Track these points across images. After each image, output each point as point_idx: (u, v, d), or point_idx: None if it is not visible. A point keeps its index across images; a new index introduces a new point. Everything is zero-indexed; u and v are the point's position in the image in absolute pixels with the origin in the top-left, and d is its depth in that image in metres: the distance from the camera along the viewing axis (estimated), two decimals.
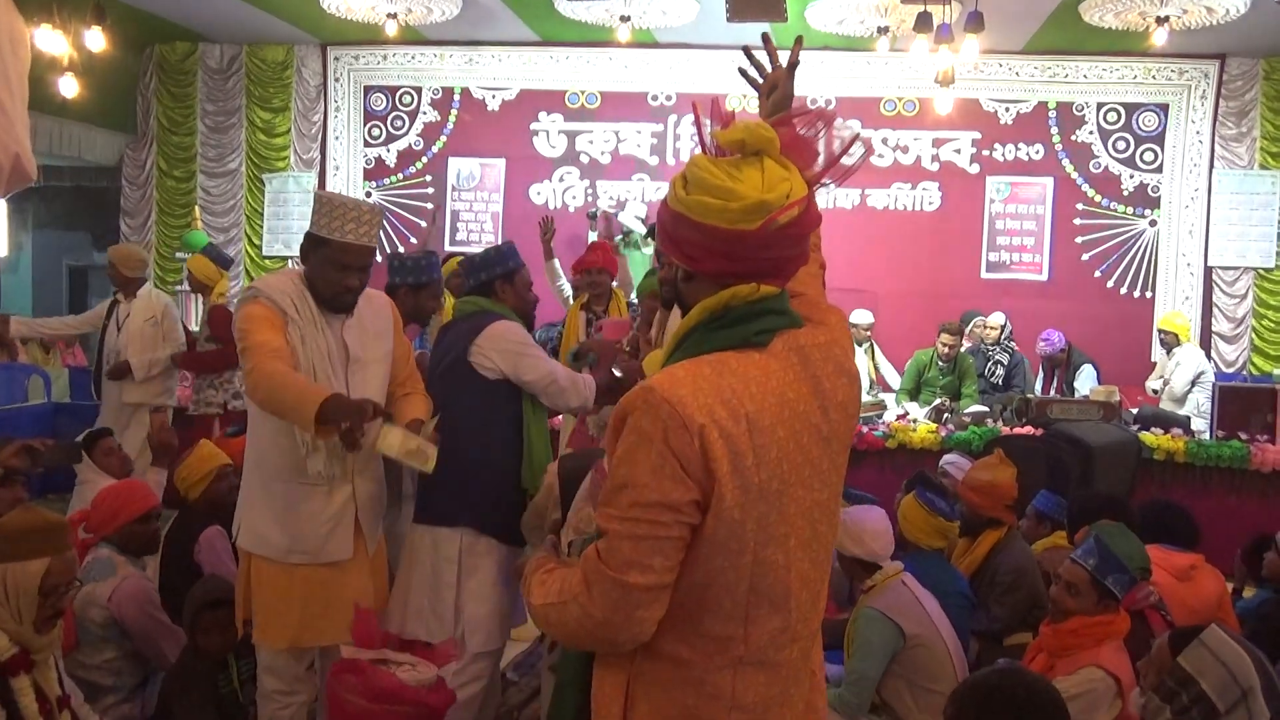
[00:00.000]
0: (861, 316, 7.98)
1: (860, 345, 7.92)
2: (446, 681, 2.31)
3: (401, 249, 9.42)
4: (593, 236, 8.72)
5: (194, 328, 6.49)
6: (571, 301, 6.23)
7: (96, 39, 6.61)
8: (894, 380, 7.90)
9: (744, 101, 9.03)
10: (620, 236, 8.42)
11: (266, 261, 9.66)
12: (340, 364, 2.99)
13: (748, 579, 1.60)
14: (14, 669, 2.51)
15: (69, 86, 6.95)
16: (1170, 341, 7.63)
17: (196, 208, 9.17)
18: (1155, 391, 7.63)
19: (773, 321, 1.65)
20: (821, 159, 1.71)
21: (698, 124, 1.71)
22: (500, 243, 3.58)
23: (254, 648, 3.11)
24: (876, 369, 8.04)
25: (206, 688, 3.23)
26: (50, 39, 6.50)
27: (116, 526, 3.46)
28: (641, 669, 1.66)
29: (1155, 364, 8.15)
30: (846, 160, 1.70)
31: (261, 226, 9.67)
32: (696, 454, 1.54)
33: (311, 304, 2.96)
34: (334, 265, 2.92)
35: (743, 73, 2.16)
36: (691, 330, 1.67)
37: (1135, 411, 6.89)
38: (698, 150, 1.71)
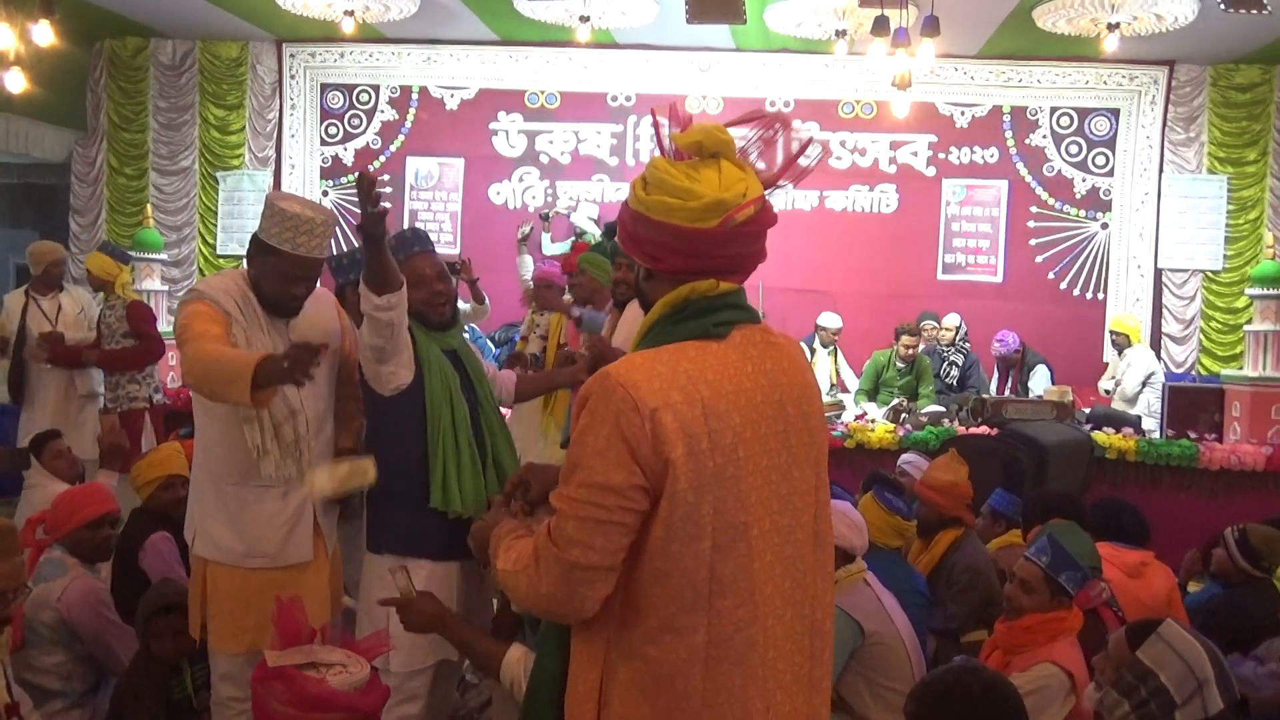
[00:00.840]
0: (830, 320, 8.00)
1: (825, 348, 7.96)
2: (381, 677, 2.27)
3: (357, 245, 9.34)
4: (546, 238, 8.69)
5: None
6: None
7: (45, 33, 6.45)
8: (852, 383, 7.95)
9: (704, 103, 9.06)
10: (573, 238, 8.41)
11: (220, 260, 9.52)
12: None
13: (707, 566, 1.62)
14: None
15: (15, 81, 6.79)
16: (1121, 343, 7.75)
17: (149, 206, 9.00)
18: (1108, 392, 7.75)
19: (731, 315, 1.72)
20: (780, 160, 1.78)
21: (656, 128, 1.77)
22: (392, 236, 3.03)
23: (207, 653, 3.07)
24: (837, 372, 8.09)
25: (159, 693, 3.18)
26: None
27: (69, 529, 3.39)
28: (615, 669, 1.67)
29: (1107, 365, 8.27)
30: (803, 162, 1.78)
31: (215, 225, 9.53)
32: (647, 437, 1.57)
33: (256, 305, 2.90)
34: (281, 275, 2.85)
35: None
36: (653, 325, 1.72)
37: (1088, 411, 7.00)
38: (657, 153, 1.76)
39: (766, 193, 1.75)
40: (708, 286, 1.69)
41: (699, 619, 1.63)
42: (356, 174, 2.48)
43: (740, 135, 1.80)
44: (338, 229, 9.41)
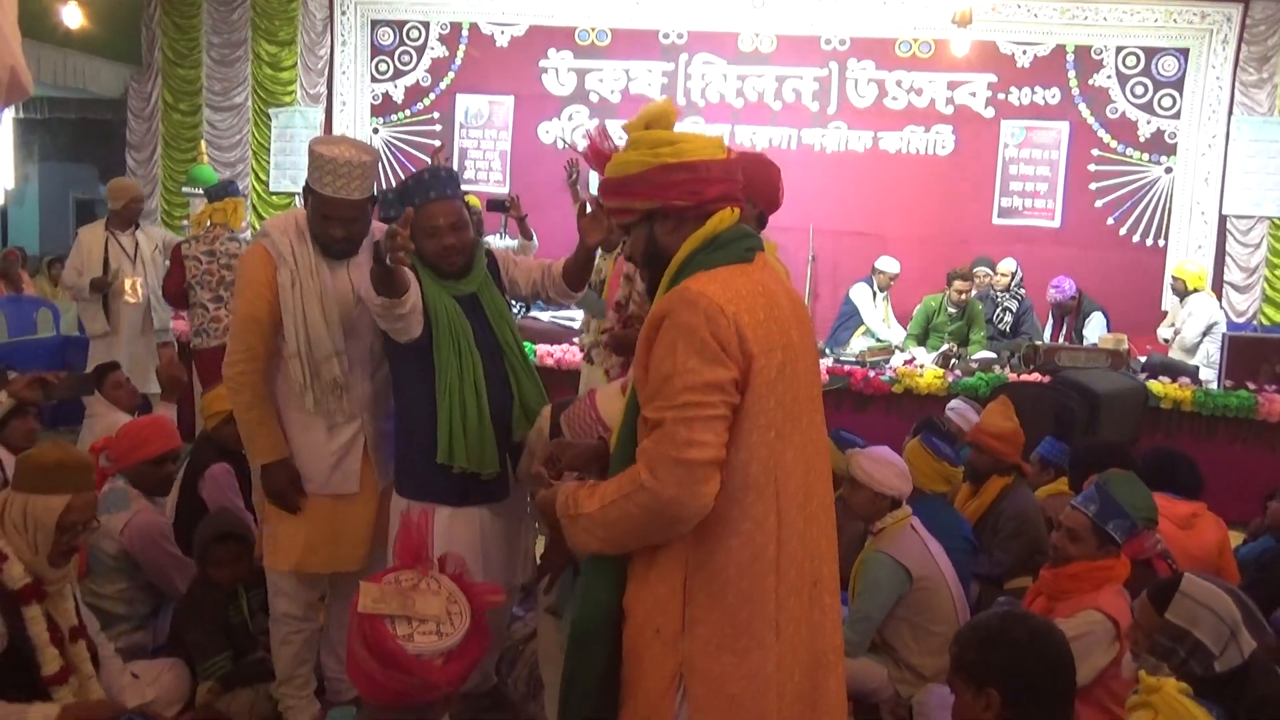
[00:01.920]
0: (888, 264, 7.81)
1: (882, 291, 7.85)
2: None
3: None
4: (595, 176, 8.63)
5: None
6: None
7: None
8: (898, 330, 7.85)
9: (756, 40, 8.91)
10: None
11: (273, 197, 9.62)
12: (345, 304, 2.97)
13: (775, 454, 1.83)
14: (26, 598, 2.52)
15: (72, 16, 6.87)
16: (1180, 289, 7.56)
17: (203, 142, 9.10)
18: (1166, 340, 7.59)
19: (753, 241, 1.94)
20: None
21: (592, 143, 2.07)
22: (409, 178, 3.07)
23: (264, 578, 3.17)
24: (888, 316, 7.99)
25: (217, 617, 3.29)
26: None
27: (133, 462, 3.48)
28: (699, 566, 1.82)
29: (1167, 313, 8.11)
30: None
31: (268, 162, 9.62)
32: (734, 336, 1.77)
33: (310, 247, 2.95)
34: (319, 215, 2.90)
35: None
36: (688, 259, 1.90)
37: (1144, 360, 6.87)
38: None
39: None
40: (730, 216, 1.91)
41: (770, 504, 1.83)
42: (390, 230, 2.36)
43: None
44: (388, 168, 9.46)
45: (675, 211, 1.91)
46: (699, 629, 1.82)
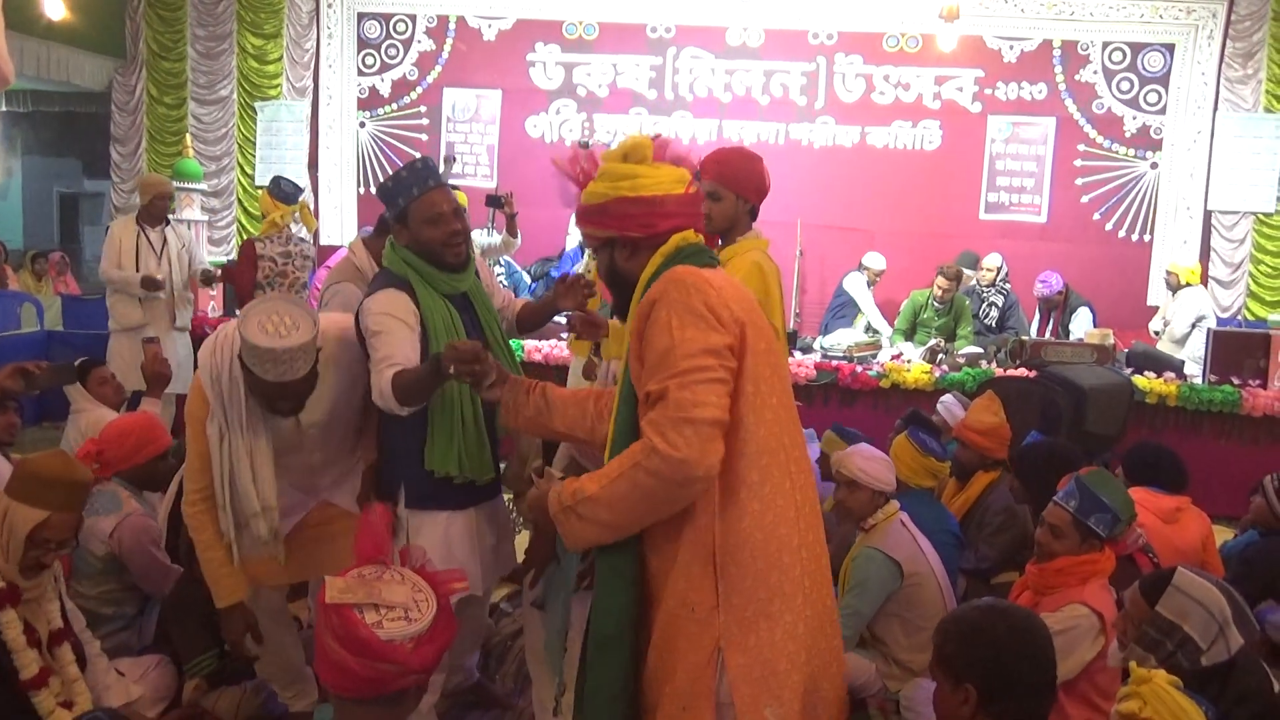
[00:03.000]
0: (874, 260, 7.93)
1: (869, 286, 7.90)
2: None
3: None
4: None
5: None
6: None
7: None
8: (881, 325, 7.88)
9: (744, 35, 8.89)
10: None
11: (259, 191, 9.55)
12: (286, 442, 2.82)
13: (778, 417, 1.95)
14: (0, 603, 2.52)
15: (55, 8, 6.82)
16: (1174, 284, 7.62)
17: (188, 136, 9.05)
18: (1157, 333, 7.64)
19: (711, 258, 2.08)
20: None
21: (572, 165, 2.18)
22: (403, 169, 2.89)
23: None
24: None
25: (202, 616, 3.27)
26: None
27: (135, 464, 3.45)
28: (725, 538, 1.89)
29: (1157, 308, 8.15)
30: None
31: (254, 155, 9.56)
32: (725, 303, 1.88)
33: (242, 402, 2.71)
34: (264, 395, 2.66)
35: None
36: (655, 272, 2.01)
37: (1127, 351, 6.90)
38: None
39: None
40: (691, 235, 2.05)
41: (783, 466, 1.93)
42: (465, 354, 2.26)
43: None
44: (374, 163, 9.43)
45: (630, 241, 2.06)
46: (734, 599, 1.89)
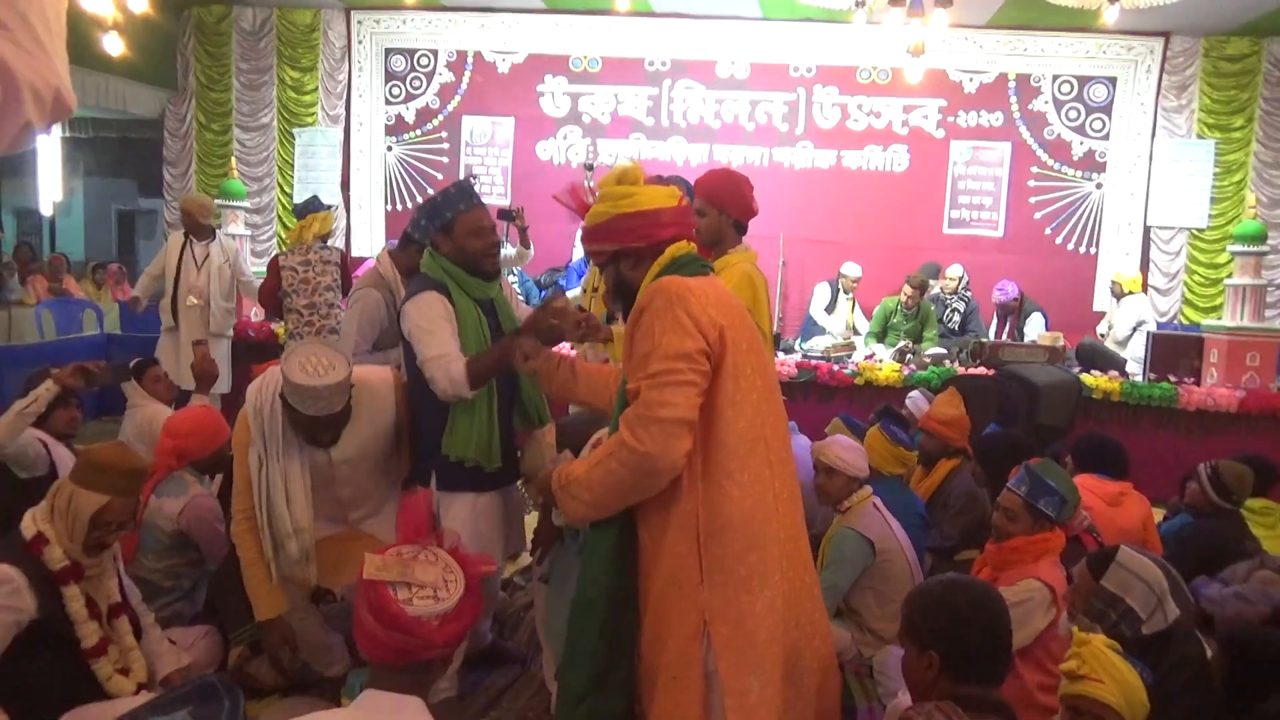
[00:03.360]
0: (851, 269, 7.94)
1: (846, 294, 7.90)
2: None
3: (420, 200, 9.34)
4: (589, 186, 8.63)
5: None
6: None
7: (138, 0, 6.43)
8: (863, 327, 7.89)
9: (732, 68, 8.88)
10: None
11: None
12: (321, 475, 2.82)
13: (760, 412, 1.96)
14: (64, 579, 2.50)
15: (113, 44, 6.79)
16: (1117, 292, 7.64)
17: (233, 159, 9.03)
18: (1102, 336, 7.65)
19: (705, 266, 2.08)
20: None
21: (573, 196, 2.20)
22: (450, 186, 2.96)
23: None
24: (853, 318, 8.04)
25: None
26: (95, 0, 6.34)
27: (212, 453, 3.46)
28: (708, 521, 1.90)
29: (1104, 314, 8.16)
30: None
31: (292, 177, 9.54)
32: (706, 311, 1.88)
33: (280, 429, 2.73)
34: (303, 428, 2.71)
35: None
36: (654, 280, 2.01)
37: (1076, 347, 6.91)
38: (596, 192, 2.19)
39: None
40: (685, 246, 2.06)
41: (762, 455, 1.94)
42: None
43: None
44: (400, 183, 9.43)
45: (634, 251, 2.07)
46: (716, 576, 1.89)
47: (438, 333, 2.74)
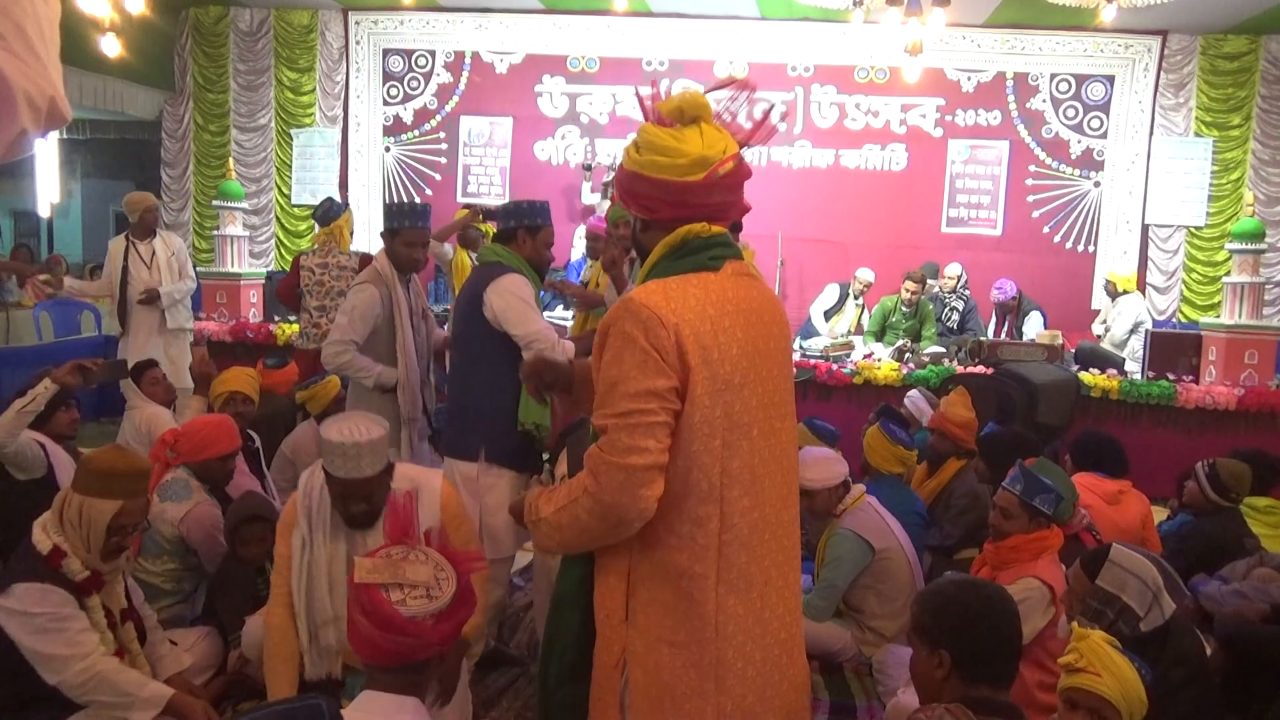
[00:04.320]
0: (865, 274, 7.89)
1: (856, 299, 7.89)
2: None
3: (417, 199, 9.34)
4: (585, 187, 8.64)
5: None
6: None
7: (136, 2, 6.43)
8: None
9: (730, 68, 8.90)
10: (604, 188, 8.31)
11: (295, 209, 9.55)
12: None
13: (719, 462, 1.69)
14: (87, 590, 2.51)
15: (111, 46, 6.78)
16: (1112, 291, 7.63)
17: (230, 160, 9.02)
18: (1099, 336, 7.65)
19: (722, 251, 1.78)
20: (747, 124, 1.83)
21: (640, 101, 1.81)
22: (537, 200, 3.48)
23: None
24: (860, 320, 8.03)
25: (246, 591, 3.27)
26: (92, 1, 6.33)
27: (199, 459, 3.43)
28: (640, 561, 1.73)
29: (1098, 311, 8.16)
30: (774, 122, 1.81)
31: (290, 177, 9.54)
32: (673, 346, 1.64)
33: (327, 514, 2.69)
34: (336, 495, 2.67)
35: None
36: (656, 263, 1.78)
37: (1075, 351, 6.92)
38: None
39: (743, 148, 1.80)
40: (700, 228, 1.76)
41: (713, 509, 1.69)
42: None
43: (716, 99, 1.82)
44: (398, 183, 9.42)
45: (636, 215, 1.83)
46: (639, 618, 1.74)
47: (535, 309, 3.23)
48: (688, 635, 1.72)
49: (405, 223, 3.70)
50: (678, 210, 1.75)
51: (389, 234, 3.73)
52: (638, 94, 1.84)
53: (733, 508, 1.71)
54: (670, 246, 1.77)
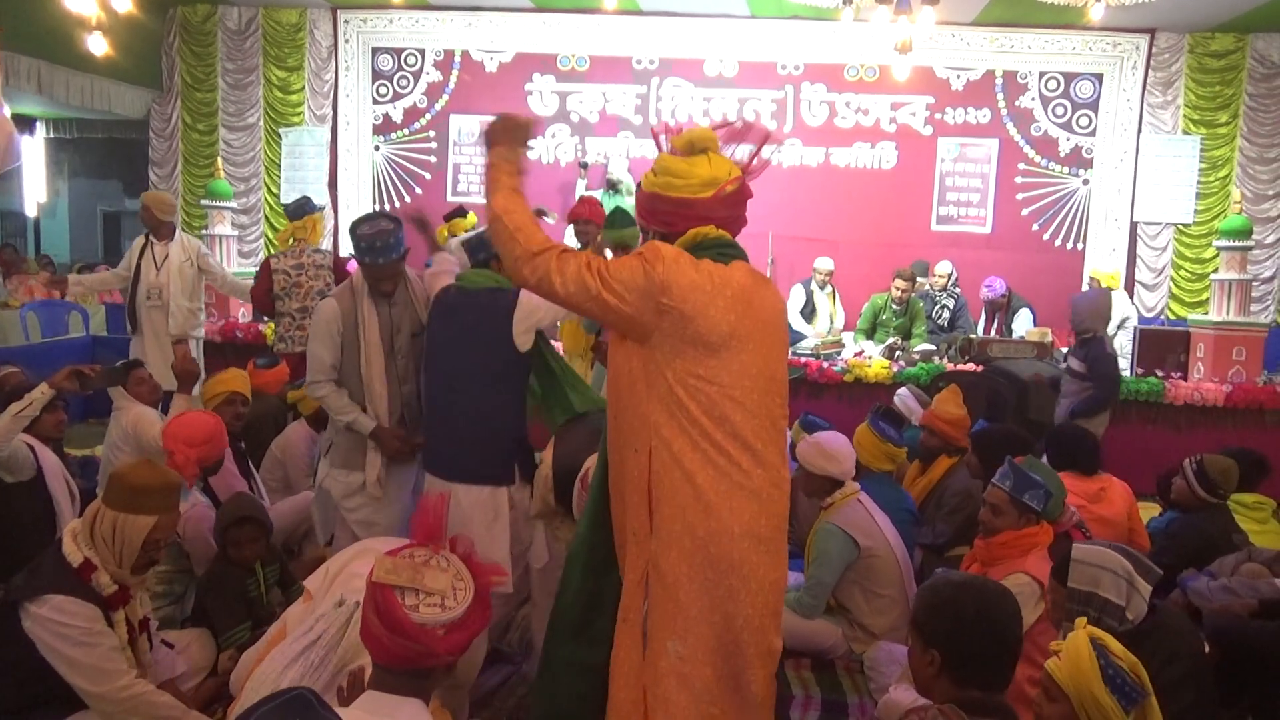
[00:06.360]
0: (823, 263, 7.94)
1: (823, 289, 7.91)
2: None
3: (409, 199, 9.32)
4: (581, 185, 8.63)
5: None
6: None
7: (122, 0, 6.39)
8: (848, 321, 7.90)
9: (720, 66, 8.90)
10: (607, 185, 8.29)
11: (283, 209, 9.50)
12: None
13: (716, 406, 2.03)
14: (115, 604, 2.50)
15: (98, 44, 6.74)
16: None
17: (219, 159, 8.99)
18: None
19: (731, 251, 2.13)
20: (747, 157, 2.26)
21: (656, 139, 2.21)
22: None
23: (279, 556, 3.14)
24: (834, 310, 8.04)
25: (237, 591, 3.27)
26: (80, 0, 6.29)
27: (216, 459, 3.46)
28: (658, 481, 2.03)
29: None
30: (766, 154, 2.28)
31: (279, 176, 9.50)
32: (670, 278, 1.99)
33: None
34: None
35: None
36: None
37: (1066, 350, 6.94)
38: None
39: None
40: (710, 230, 2.11)
41: (743, 450, 2.01)
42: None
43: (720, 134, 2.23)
44: (388, 182, 9.40)
45: (653, 232, 2.16)
46: (662, 531, 2.00)
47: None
48: (693, 544, 1.99)
49: (365, 259, 3.29)
50: (690, 222, 2.10)
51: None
52: (653, 131, 2.24)
53: (755, 455, 2.03)
54: (685, 245, 2.10)
